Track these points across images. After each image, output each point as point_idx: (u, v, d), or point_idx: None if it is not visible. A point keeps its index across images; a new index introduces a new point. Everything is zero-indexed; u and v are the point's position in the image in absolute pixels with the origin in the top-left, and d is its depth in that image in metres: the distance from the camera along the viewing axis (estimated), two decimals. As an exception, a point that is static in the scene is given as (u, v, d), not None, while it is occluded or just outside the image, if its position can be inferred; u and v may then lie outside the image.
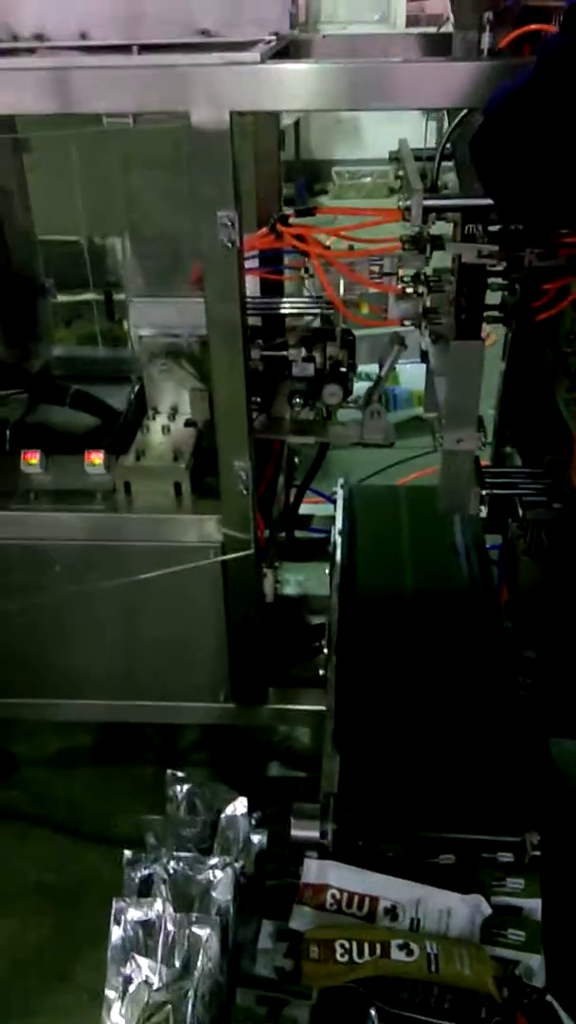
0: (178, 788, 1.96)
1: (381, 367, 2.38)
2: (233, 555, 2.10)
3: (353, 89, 1.62)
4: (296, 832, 1.81)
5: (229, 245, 1.75)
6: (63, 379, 2.81)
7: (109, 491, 2.18)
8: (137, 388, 2.52)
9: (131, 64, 1.74)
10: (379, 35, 2.51)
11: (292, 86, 1.62)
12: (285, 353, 2.34)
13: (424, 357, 2.48)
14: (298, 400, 2.34)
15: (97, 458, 2.18)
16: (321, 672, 2.25)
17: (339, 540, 2.71)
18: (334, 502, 2.95)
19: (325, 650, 2.27)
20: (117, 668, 2.32)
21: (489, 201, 1.79)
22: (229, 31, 1.90)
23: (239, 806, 1.91)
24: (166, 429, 2.31)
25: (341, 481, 3.01)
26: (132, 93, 1.67)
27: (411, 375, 4.46)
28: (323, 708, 2.08)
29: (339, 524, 2.80)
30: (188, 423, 2.33)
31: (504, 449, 2.85)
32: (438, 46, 2.27)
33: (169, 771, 1.99)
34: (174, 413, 2.38)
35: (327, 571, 2.73)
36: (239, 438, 2.00)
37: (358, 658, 2.19)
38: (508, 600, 2.59)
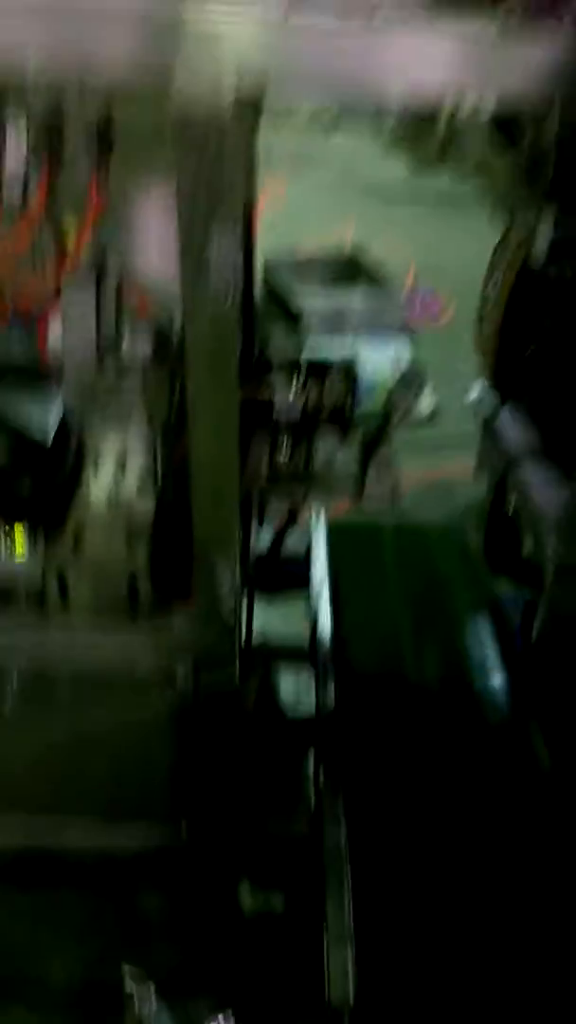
0: (141, 1005, 1.48)
1: (391, 407, 1.86)
2: (209, 678, 1.58)
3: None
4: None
5: (225, 293, 1.18)
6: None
7: (35, 591, 1.60)
8: (63, 412, 1.88)
9: None
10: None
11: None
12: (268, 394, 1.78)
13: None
14: (283, 448, 1.81)
15: (19, 541, 1.59)
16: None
17: (320, 606, 2.23)
18: (309, 541, 2.46)
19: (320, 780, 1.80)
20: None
21: None
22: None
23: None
24: (113, 492, 1.71)
25: (316, 515, 2.50)
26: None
27: (374, 363, 3.91)
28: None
29: (317, 580, 2.31)
30: (143, 482, 1.75)
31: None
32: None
33: (127, 971, 1.50)
34: (122, 462, 1.78)
35: (307, 637, 2.25)
36: (225, 531, 1.46)
37: (368, 806, 1.72)
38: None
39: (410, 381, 1.82)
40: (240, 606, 1.56)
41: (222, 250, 1.22)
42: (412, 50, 1.10)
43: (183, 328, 1.37)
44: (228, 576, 1.45)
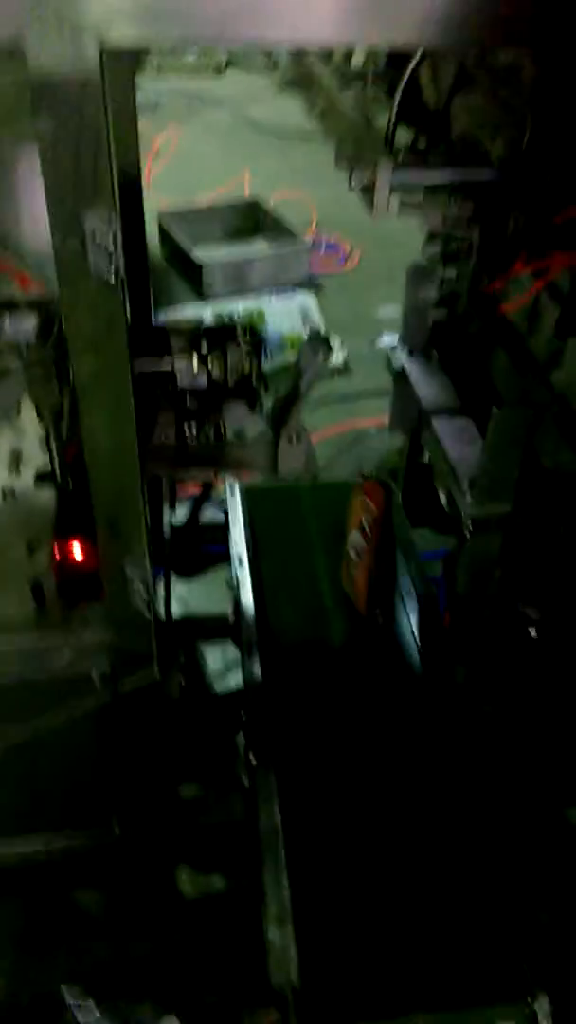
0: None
1: (299, 378, 1.77)
2: (127, 675, 1.50)
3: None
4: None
5: (107, 274, 1.06)
6: None
7: None
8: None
9: None
10: None
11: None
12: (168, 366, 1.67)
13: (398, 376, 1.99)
14: (190, 423, 1.71)
15: None
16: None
17: (239, 575, 2.16)
18: (225, 512, 2.38)
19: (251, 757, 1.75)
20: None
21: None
22: None
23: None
24: (8, 494, 1.59)
25: (232, 487, 2.42)
26: None
27: (278, 313, 3.81)
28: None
29: (236, 550, 2.24)
30: (41, 476, 1.63)
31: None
32: None
33: (65, 989, 1.44)
34: (16, 461, 1.66)
35: (230, 612, 2.19)
36: (131, 521, 1.36)
37: (300, 780, 1.68)
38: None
39: (317, 343, 1.72)
40: (154, 597, 1.47)
41: (99, 223, 1.10)
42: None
43: (62, 305, 1.25)
44: (138, 568, 1.36)
